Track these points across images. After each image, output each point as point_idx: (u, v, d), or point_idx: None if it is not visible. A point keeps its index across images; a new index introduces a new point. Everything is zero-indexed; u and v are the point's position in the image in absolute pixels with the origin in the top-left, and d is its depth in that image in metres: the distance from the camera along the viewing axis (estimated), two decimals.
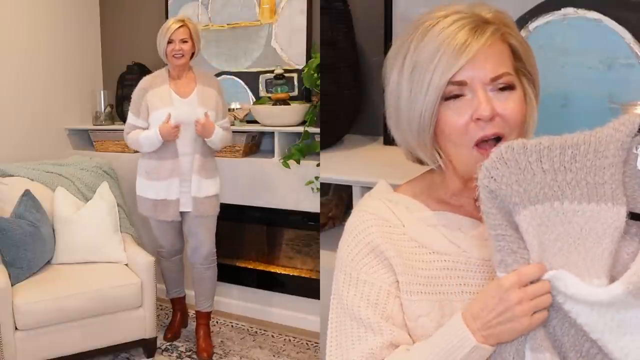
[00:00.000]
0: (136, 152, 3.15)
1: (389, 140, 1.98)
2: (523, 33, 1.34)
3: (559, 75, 1.31)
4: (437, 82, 0.84)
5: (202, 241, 2.62)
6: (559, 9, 1.30)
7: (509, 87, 0.85)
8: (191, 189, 2.51)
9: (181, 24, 2.47)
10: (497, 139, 0.85)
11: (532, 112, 0.91)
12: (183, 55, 2.47)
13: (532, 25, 1.34)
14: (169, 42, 2.46)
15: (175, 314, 2.91)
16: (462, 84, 0.84)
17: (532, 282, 0.78)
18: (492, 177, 0.81)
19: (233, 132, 2.90)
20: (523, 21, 1.35)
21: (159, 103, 2.49)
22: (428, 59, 0.84)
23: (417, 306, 0.88)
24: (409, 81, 0.87)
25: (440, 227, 0.93)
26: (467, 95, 0.85)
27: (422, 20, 0.88)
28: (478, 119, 0.84)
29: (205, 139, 2.48)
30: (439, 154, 0.90)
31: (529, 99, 0.90)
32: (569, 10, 1.29)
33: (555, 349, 0.79)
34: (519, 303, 0.77)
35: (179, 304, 2.90)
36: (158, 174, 2.50)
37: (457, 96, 0.85)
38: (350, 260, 0.93)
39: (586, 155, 0.79)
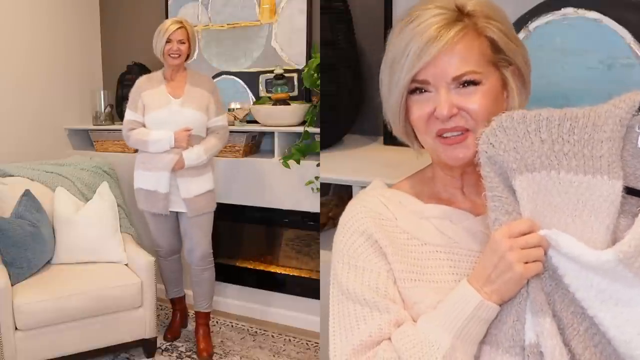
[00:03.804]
0: (136, 151, 3.15)
1: (389, 140, 1.99)
2: (523, 33, 1.34)
3: (559, 76, 1.31)
4: (402, 79, 0.89)
5: (197, 243, 2.61)
6: (559, 9, 1.30)
7: (473, 83, 0.87)
8: (180, 191, 2.52)
9: (180, 25, 2.51)
10: (465, 132, 0.89)
11: (513, 103, 0.91)
12: (180, 56, 2.51)
13: (532, 25, 1.34)
14: (167, 41, 2.48)
15: (175, 314, 2.91)
16: (424, 82, 0.88)
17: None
18: (490, 144, 0.84)
19: (233, 132, 2.91)
20: (523, 21, 1.35)
21: (156, 104, 2.52)
22: (399, 55, 0.89)
23: (413, 293, 0.89)
24: (387, 75, 0.93)
25: (432, 219, 0.95)
26: (431, 91, 0.89)
27: (409, 12, 0.91)
28: (437, 118, 0.88)
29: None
30: (417, 142, 0.97)
31: (510, 89, 0.91)
32: (569, 10, 1.28)
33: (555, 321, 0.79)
34: (510, 250, 0.79)
35: (178, 304, 2.91)
36: (151, 165, 2.53)
37: (422, 90, 0.89)
38: (347, 250, 0.94)
39: (584, 128, 0.80)
